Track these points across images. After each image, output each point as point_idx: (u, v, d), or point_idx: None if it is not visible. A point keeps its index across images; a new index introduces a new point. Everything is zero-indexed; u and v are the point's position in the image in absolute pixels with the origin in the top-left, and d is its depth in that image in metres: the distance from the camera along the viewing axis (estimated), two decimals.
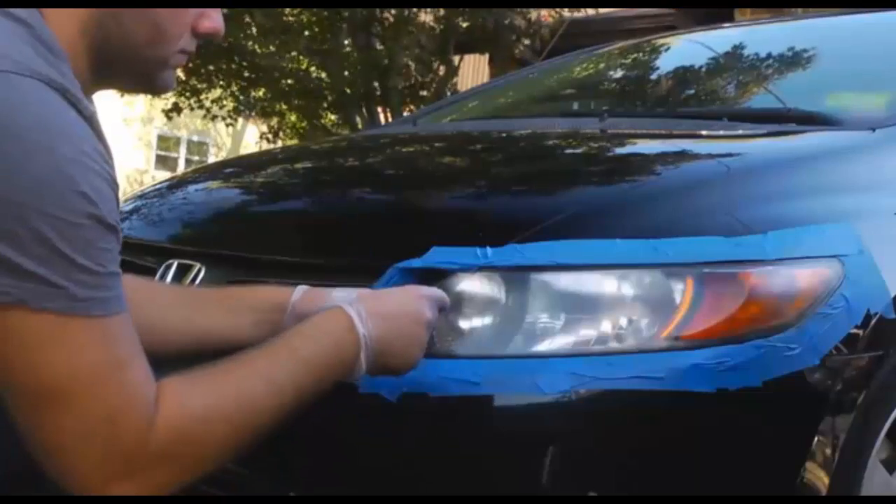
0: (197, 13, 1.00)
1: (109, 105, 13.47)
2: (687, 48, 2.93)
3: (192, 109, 10.23)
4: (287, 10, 8.55)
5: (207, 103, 10.02)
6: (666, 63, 2.85)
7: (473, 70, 10.17)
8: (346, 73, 8.63)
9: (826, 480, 1.24)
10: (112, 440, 0.85)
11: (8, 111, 0.80)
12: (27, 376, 0.82)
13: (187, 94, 9.89)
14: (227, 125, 10.70)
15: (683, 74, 2.63)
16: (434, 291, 1.16)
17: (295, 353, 1.01)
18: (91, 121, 0.88)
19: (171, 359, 1.26)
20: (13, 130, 0.80)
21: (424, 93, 8.66)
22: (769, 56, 2.47)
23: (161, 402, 0.88)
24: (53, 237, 0.80)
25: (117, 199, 0.90)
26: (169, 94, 10.05)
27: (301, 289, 1.22)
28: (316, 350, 1.02)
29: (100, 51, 0.96)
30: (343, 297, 1.14)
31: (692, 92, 2.56)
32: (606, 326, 1.20)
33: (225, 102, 9.96)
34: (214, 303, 1.24)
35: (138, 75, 1.00)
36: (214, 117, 10.23)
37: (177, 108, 10.07)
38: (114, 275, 0.86)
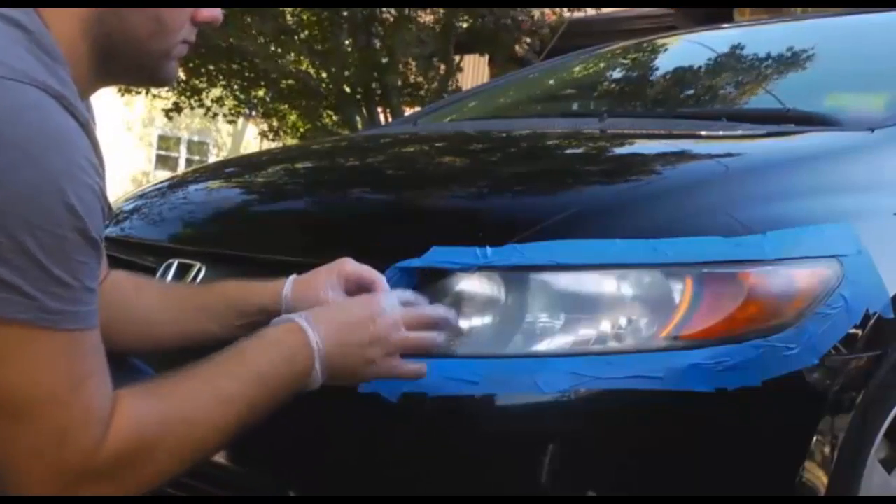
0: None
1: (110, 104, 13.46)
2: (686, 48, 2.93)
3: (192, 108, 10.23)
4: (287, 11, 8.55)
5: (208, 102, 10.01)
6: (665, 63, 2.86)
7: (473, 70, 10.17)
8: (346, 72, 8.62)
9: (825, 480, 1.24)
10: (60, 457, 0.85)
11: (3, 118, 0.80)
12: None
13: (188, 93, 9.89)
14: (229, 122, 10.69)
15: (683, 75, 2.63)
16: (389, 294, 1.14)
17: (247, 367, 1.00)
18: (87, 128, 0.88)
19: (157, 355, 1.26)
20: (7, 138, 0.79)
21: (423, 92, 8.65)
22: (768, 56, 2.47)
23: (114, 417, 0.88)
24: (34, 248, 0.80)
25: (104, 211, 0.89)
26: (169, 94, 10.06)
27: (290, 283, 1.22)
28: (268, 364, 1.01)
29: (102, 46, 0.96)
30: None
31: (691, 92, 2.56)
32: (606, 326, 1.20)
33: (226, 102, 9.95)
34: (202, 302, 1.24)
35: (142, 68, 1.01)
36: (215, 115, 10.23)
37: (177, 108, 10.07)
38: (89, 290, 0.86)
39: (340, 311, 1.11)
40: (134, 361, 1.25)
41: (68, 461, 0.85)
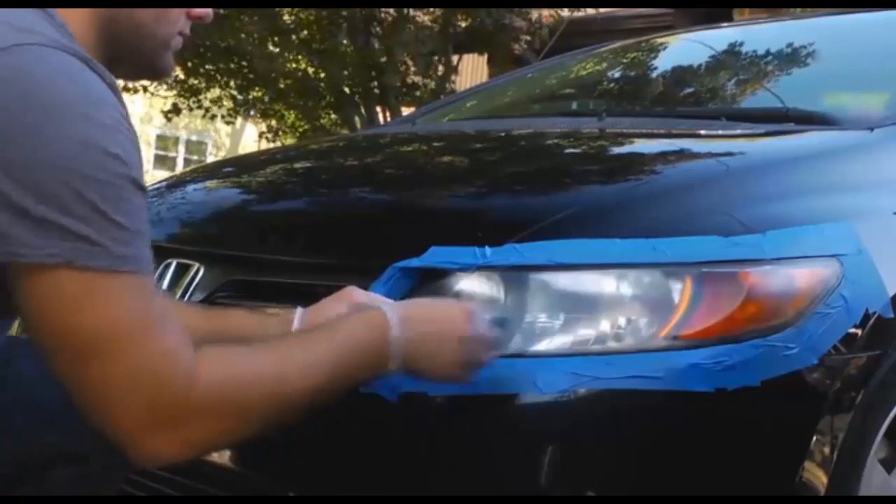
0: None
1: None
2: (685, 48, 2.93)
3: (190, 110, 10.21)
4: (285, 10, 8.54)
5: (206, 103, 9.99)
6: (664, 62, 2.85)
7: (472, 70, 10.16)
8: (345, 72, 8.62)
9: (824, 480, 1.24)
10: (157, 389, 0.88)
11: (44, 82, 0.85)
12: (72, 332, 0.86)
13: (186, 94, 9.86)
14: (227, 123, 10.66)
15: (682, 74, 2.63)
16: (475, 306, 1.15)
17: (332, 340, 1.04)
18: (113, 88, 0.93)
19: None
20: (51, 99, 0.84)
21: (420, 92, 8.64)
22: (768, 55, 2.47)
23: (201, 360, 0.92)
24: (94, 197, 0.84)
25: (140, 161, 0.94)
26: (168, 95, 10.04)
27: (299, 314, 1.19)
28: (352, 343, 1.04)
29: (109, 33, 1.00)
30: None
31: (690, 91, 2.56)
32: (605, 326, 1.20)
33: (224, 102, 9.93)
34: (208, 328, 1.20)
35: (143, 57, 1.05)
36: (214, 116, 10.20)
37: (176, 109, 10.04)
38: (144, 234, 0.91)
39: (433, 312, 1.13)
40: None
41: (166, 391, 0.89)
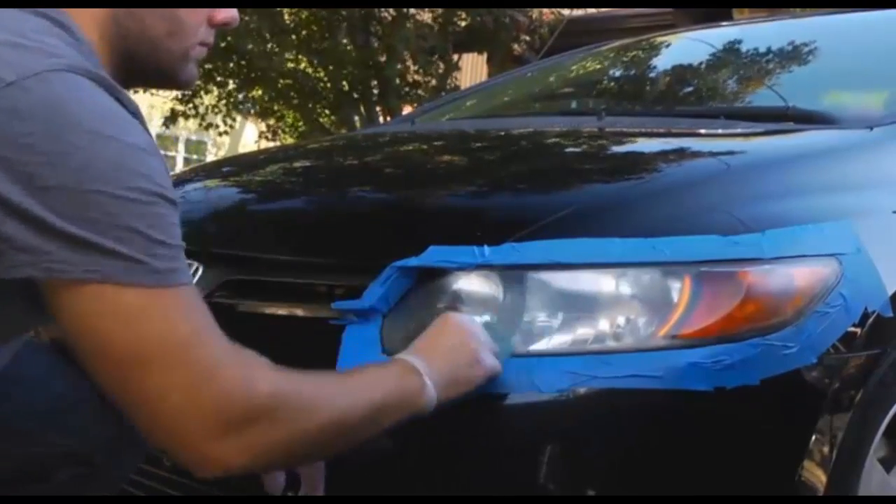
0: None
1: None
2: (685, 46, 2.93)
3: (186, 118, 10.11)
4: (285, 10, 8.53)
5: (202, 109, 9.89)
6: (664, 61, 2.85)
7: (471, 69, 10.16)
8: (344, 71, 8.61)
9: (824, 479, 1.24)
10: (216, 396, 0.88)
11: (73, 106, 0.85)
12: (124, 347, 0.86)
13: (184, 98, 9.79)
14: (220, 134, 10.54)
15: (681, 73, 2.63)
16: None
17: (370, 370, 1.07)
18: (137, 114, 0.93)
19: None
20: (81, 124, 0.84)
21: (420, 91, 8.63)
22: (767, 54, 2.47)
23: (256, 368, 0.92)
24: (129, 217, 0.85)
25: (168, 177, 0.94)
26: (167, 96, 9.98)
27: None
28: (389, 377, 1.06)
29: (120, 49, 0.99)
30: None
31: (690, 90, 2.56)
32: (604, 325, 1.20)
33: (219, 108, 9.83)
34: None
35: (161, 70, 1.04)
36: (209, 126, 10.11)
37: (173, 116, 9.96)
38: (181, 247, 0.91)
39: (440, 338, 1.15)
40: None
41: (222, 401, 0.88)
